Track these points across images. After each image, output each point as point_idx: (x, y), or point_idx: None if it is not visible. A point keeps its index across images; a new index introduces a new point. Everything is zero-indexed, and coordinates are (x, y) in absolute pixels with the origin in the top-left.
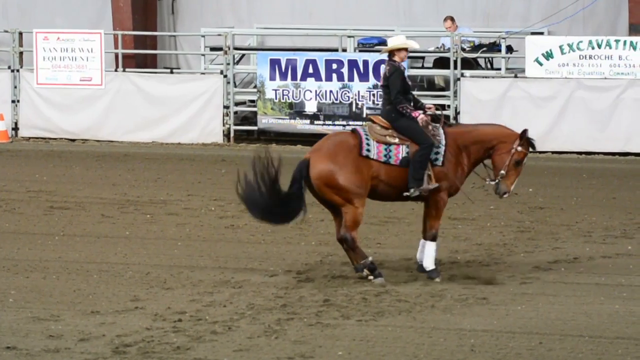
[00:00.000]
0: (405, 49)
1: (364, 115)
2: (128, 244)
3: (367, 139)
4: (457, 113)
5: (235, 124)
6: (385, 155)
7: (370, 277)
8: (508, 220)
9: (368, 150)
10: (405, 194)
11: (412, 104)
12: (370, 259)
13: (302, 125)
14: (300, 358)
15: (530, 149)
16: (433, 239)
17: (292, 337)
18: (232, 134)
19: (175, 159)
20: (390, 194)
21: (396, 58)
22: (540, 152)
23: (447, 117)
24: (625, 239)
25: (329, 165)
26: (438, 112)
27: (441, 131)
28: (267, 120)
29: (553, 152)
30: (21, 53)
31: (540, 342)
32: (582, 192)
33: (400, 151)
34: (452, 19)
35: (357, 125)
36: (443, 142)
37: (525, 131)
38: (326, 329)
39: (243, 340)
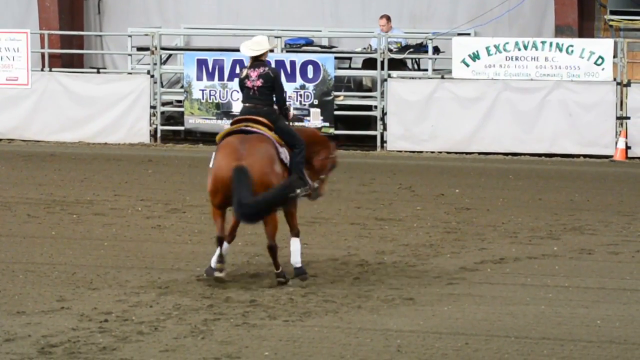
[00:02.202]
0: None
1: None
2: (54, 244)
3: (274, 141)
4: (384, 114)
5: (162, 124)
6: (285, 157)
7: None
8: (434, 221)
9: (282, 154)
10: (292, 195)
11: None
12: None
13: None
14: (226, 358)
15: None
16: (298, 235)
17: (218, 337)
18: (159, 134)
19: (102, 159)
20: None
21: (264, 58)
22: (467, 153)
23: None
24: (551, 239)
25: (269, 171)
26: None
27: None
28: (194, 121)
29: (479, 153)
30: None
31: (466, 343)
32: (508, 193)
33: (286, 152)
34: (388, 18)
35: None
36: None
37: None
38: (253, 330)
39: (169, 340)
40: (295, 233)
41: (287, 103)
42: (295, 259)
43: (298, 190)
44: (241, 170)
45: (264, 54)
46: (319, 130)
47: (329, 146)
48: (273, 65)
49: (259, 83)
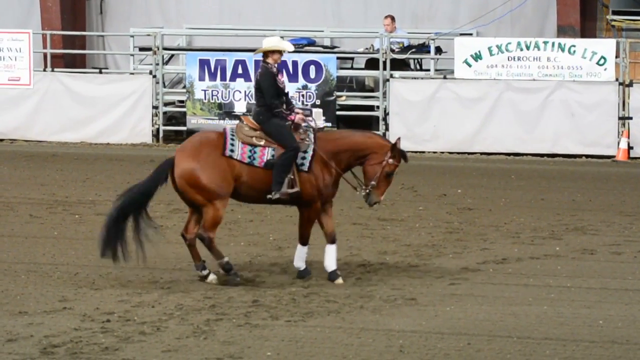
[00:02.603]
0: (279, 52)
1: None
2: (56, 244)
3: (232, 139)
4: (386, 114)
5: (164, 124)
6: (249, 157)
7: (210, 278)
8: (437, 221)
9: (232, 151)
10: (268, 196)
11: (285, 106)
12: (226, 259)
13: (231, 126)
14: (229, 358)
15: (402, 161)
16: (306, 243)
17: (220, 337)
18: (161, 134)
19: (104, 159)
20: (254, 196)
21: (269, 60)
22: (469, 154)
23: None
24: (553, 240)
25: (192, 164)
26: (309, 119)
27: (311, 136)
28: (196, 121)
29: (481, 154)
30: None
31: (468, 343)
32: (511, 193)
33: (266, 153)
34: (392, 18)
35: None
36: (312, 147)
37: (397, 143)
38: (255, 330)
39: (172, 340)
40: (303, 242)
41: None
42: (298, 263)
43: (273, 192)
44: (162, 164)
45: (267, 55)
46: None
47: (381, 152)
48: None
49: (254, 84)
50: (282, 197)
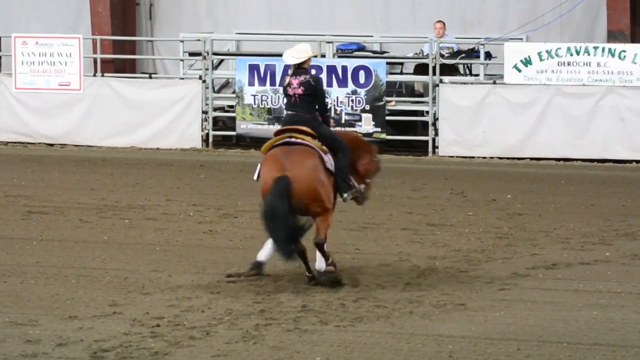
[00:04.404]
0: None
1: (343, 121)
2: (106, 249)
3: (320, 150)
4: (435, 119)
5: (213, 129)
6: (330, 165)
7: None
8: (486, 227)
9: (328, 162)
10: (339, 199)
11: None
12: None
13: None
14: None
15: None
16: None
17: (270, 342)
18: (210, 139)
19: (154, 164)
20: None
21: (306, 66)
22: (519, 159)
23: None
24: (603, 245)
25: (315, 181)
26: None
27: None
28: (245, 126)
29: (531, 159)
30: None
31: (518, 349)
32: (561, 198)
33: (330, 159)
34: (443, 23)
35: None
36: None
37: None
38: (304, 335)
39: (221, 345)
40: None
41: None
42: (320, 265)
43: (345, 195)
44: (280, 180)
45: (306, 62)
46: (361, 135)
47: (371, 150)
48: (325, 70)
49: (299, 91)
50: (353, 197)
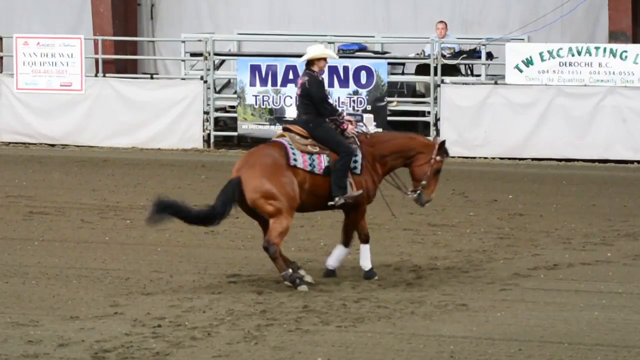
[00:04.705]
0: (324, 59)
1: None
2: (107, 249)
3: (292, 148)
4: (437, 119)
5: (215, 130)
6: (310, 165)
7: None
8: (488, 227)
9: (295, 160)
10: (330, 203)
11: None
12: (289, 271)
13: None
14: None
15: (447, 156)
16: (366, 241)
17: (271, 343)
18: (212, 140)
19: (155, 165)
20: (314, 203)
21: (315, 68)
22: (520, 159)
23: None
24: (605, 245)
25: (263, 179)
26: (360, 125)
27: (356, 139)
28: (247, 126)
29: (533, 159)
30: (1, 58)
31: (519, 349)
32: (562, 199)
33: (323, 160)
34: (445, 24)
35: None
36: (359, 150)
37: (443, 142)
38: (306, 335)
39: (222, 346)
40: (363, 239)
41: (328, 116)
42: (365, 263)
43: (336, 198)
44: (230, 182)
45: (313, 62)
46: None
47: (426, 151)
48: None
49: (298, 92)
50: (347, 202)
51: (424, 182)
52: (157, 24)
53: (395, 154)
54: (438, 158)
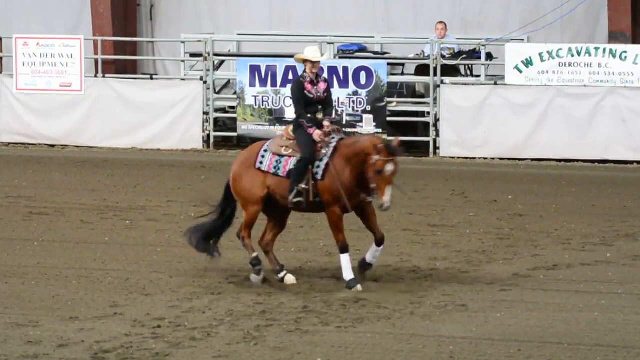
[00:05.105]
0: (312, 62)
1: (344, 122)
2: (107, 250)
3: (265, 151)
4: (436, 120)
5: (214, 130)
6: (275, 167)
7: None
8: (487, 228)
9: (261, 163)
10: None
11: (318, 115)
12: (255, 254)
13: (281, 132)
14: None
15: (391, 154)
16: (342, 251)
17: (271, 343)
18: (211, 140)
19: (155, 165)
20: (285, 203)
21: (306, 69)
22: (520, 160)
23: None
24: (604, 246)
25: (236, 172)
26: (335, 134)
27: (332, 145)
28: (246, 127)
29: (532, 160)
30: (0, 58)
31: (519, 350)
32: (561, 199)
33: (289, 163)
34: (445, 24)
35: None
36: (328, 155)
37: (387, 141)
38: (305, 336)
39: (222, 346)
40: (339, 249)
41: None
42: (344, 275)
43: (290, 196)
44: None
45: (305, 65)
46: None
47: (368, 152)
48: (326, 71)
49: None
50: (296, 205)
51: (372, 185)
52: (157, 25)
53: (354, 157)
54: (376, 158)
